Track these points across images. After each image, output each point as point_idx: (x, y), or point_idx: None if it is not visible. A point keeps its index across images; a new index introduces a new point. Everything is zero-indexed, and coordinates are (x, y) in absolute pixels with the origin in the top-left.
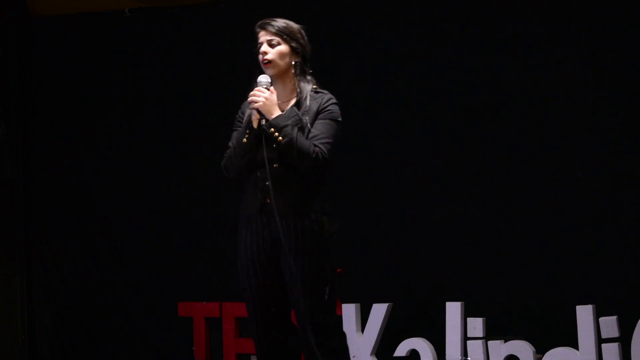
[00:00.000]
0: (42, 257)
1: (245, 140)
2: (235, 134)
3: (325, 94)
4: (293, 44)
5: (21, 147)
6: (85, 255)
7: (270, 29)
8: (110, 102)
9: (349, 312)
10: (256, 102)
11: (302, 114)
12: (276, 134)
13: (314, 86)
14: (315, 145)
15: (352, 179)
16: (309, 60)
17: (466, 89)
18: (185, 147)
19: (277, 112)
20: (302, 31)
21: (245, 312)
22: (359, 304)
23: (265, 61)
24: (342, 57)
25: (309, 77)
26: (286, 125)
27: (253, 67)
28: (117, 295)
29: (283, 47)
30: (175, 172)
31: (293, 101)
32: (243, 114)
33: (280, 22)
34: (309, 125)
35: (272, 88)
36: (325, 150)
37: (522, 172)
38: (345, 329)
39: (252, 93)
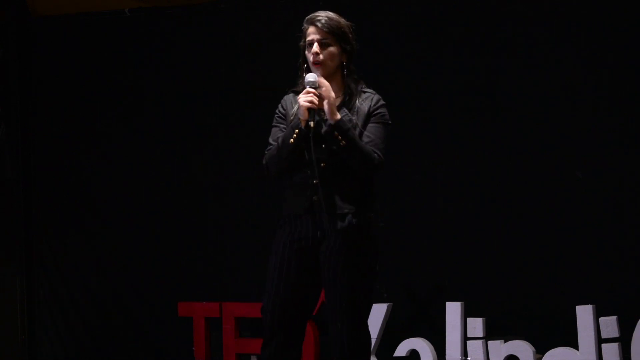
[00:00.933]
0: (42, 257)
1: (292, 140)
2: (275, 131)
3: (373, 94)
4: (344, 45)
5: (21, 147)
6: (85, 255)
7: (322, 27)
8: (110, 102)
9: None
10: (310, 102)
11: (352, 114)
12: (339, 137)
13: (362, 85)
14: (374, 151)
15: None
16: (355, 57)
17: (466, 89)
18: (185, 147)
19: (338, 114)
20: (352, 28)
21: (245, 313)
22: None
23: (316, 62)
24: None
25: (355, 76)
26: (349, 129)
27: (264, 61)
28: (117, 295)
29: (334, 48)
30: (175, 172)
31: (339, 99)
32: (285, 109)
33: (331, 19)
34: (359, 126)
35: (325, 83)
36: (382, 156)
37: (522, 172)
38: None
39: (305, 93)
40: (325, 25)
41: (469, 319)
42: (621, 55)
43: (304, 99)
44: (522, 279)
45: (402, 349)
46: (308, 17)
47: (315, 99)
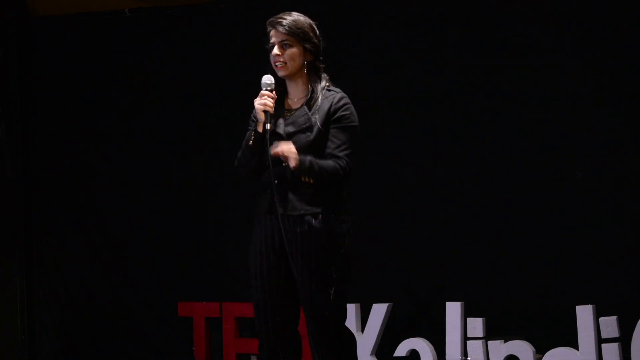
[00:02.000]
0: (42, 257)
1: (251, 142)
2: (246, 134)
3: (337, 92)
4: (306, 45)
5: (21, 147)
6: (85, 255)
7: (282, 29)
8: (110, 102)
9: (349, 312)
10: (264, 105)
11: (312, 113)
12: (306, 178)
13: (327, 84)
14: (338, 158)
15: (352, 179)
16: (321, 55)
17: (466, 89)
18: (186, 147)
19: (294, 161)
20: (314, 27)
21: (245, 313)
22: (359, 304)
23: (278, 63)
24: (341, 56)
25: (321, 74)
26: (310, 166)
27: (264, 61)
28: (117, 295)
29: (295, 49)
30: (175, 172)
31: (303, 99)
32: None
33: (291, 20)
34: (318, 124)
35: (273, 93)
36: (348, 161)
37: (522, 172)
38: None
39: (260, 96)
40: (285, 26)
41: (469, 319)
42: (621, 55)
43: (258, 102)
44: (522, 279)
45: (402, 349)
46: (269, 19)
47: (269, 101)
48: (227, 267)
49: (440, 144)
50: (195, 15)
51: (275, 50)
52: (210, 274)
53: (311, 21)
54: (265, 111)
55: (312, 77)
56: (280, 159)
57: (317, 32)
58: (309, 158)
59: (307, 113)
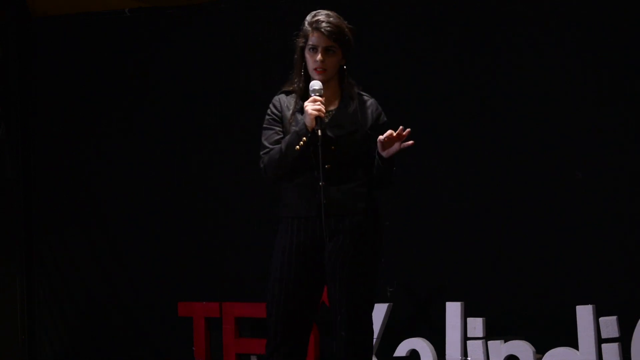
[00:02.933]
0: (42, 257)
1: (298, 147)
2: (270, 134)
3: (369, 97)
4: (346, 50)
5: (21, 147)
6: (85, 255)
7: (329, 35)
8: (110, 102)
9: None
10: (318, 111)
11: (356, 119)
12: (393, 166)
13: (358, 87)
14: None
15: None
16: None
17: (466, 89)
18: (186, 147)
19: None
20: (352, 31)
21: (245, 313)
22: None
23: (319, 68)
24: None
25: (349, 77)
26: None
27: (264, 61)
28: (117, 295)
29: (337, 56)
30: (175, 172)
31: (336, 101)
32: (279, 111)
33: (335, 25)
34: (367, 129)
35: (323, 98)
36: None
37: (522, 172)
38: None
39: (312, 101)
40: (332, 33)
41: (469, 319)
42: (621, 55)
43: (312, 107)
44: (522, 279)
45: (402, 349)
46: (312, 19)
47: (322, 107)
48: (227, 267)
49: (440, 144)
50: (195, 15)
51: (320, 57)
52: (210, 274)
53: (350, 25)
54: (317, 117)
55: (345, 80)
56: (325, 163)
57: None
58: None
59: (351, 116)
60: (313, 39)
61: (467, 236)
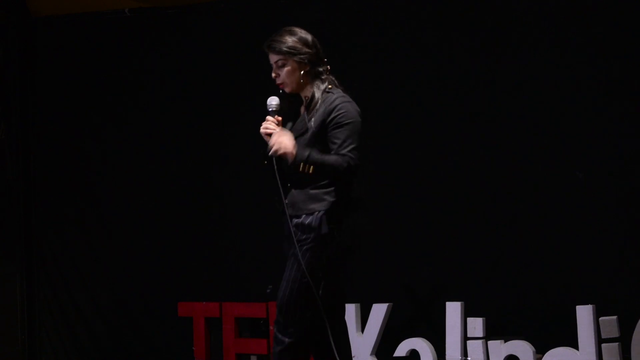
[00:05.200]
0: (42, 257)
1: (265, 162)
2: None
3: (334, 93)
4: (297, 58)
5: (21, 147)
6: (86, 255)
7: (272, 51)
8: (110, 102)
9: (349, 312)
10: (267, 129)
11: (310, 118)
12: (306, 167)
13: (330, 86)
14: (342, 156)
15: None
16: (321, 59)
17: (467, 89)
18: (186, 147)
19: (292, 151)
20: (304, 37)
21: (245, 313)
22: (359, 304)
23: (279, 83)
24: (341, 56)
25: (324, 78)
26: (309, 155)
27: (263, 61)
28: (117, 295)
29: (289, 65)
30: (175, 172)
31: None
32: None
33: (279, 40)
34: (313, 128)
35: (275, 117)
36: (353, 157)
37: (522, 172)
38: None
39: (265, 121)
40: (275, 48)
41: (469, 319)
42: (621, 55)
43: (263, 126)
44: (522, 279)
45: (402, 349)
46: (264, 43)
47: (271, 126)
48: (227, 267)
49: (440, 144)
50: (195, 15)
51: (273, 72)
52: (210, 274)
53: (301, 32)
54: (269, 134)
55: (313, 84)
56: (287, 171)
57: (310, 40)
58: (308, 149)
59: (304, 119)
60: (270, 59)
61: (467, 236)
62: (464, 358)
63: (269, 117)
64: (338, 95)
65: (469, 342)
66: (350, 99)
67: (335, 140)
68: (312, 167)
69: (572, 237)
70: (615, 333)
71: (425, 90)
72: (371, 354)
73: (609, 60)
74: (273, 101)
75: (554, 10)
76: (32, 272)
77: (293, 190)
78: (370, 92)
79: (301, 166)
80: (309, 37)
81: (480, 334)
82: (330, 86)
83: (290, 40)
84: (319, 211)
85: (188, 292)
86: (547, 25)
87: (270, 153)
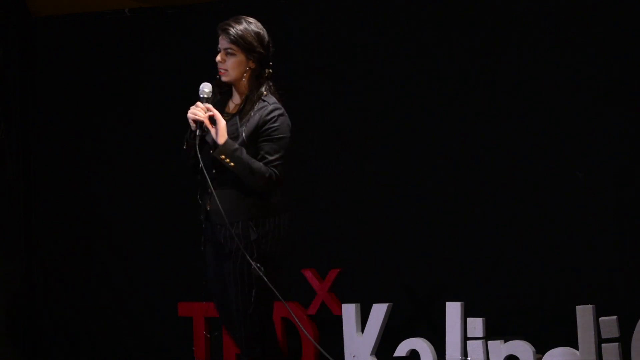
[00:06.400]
0: (42, 257)
1: (185, 147)
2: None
3: (269, 103)
4: (249, 54)
5: (21, 147)
6: (86, 255)
7: (227, 37)
8: (110, 102)
9: (349, 312)
10: (195, 115)
11: (242, 124)
12: (227, 160)
13: (265, 92)
14: (267, 169)
15: (352, 179)
16: (268, 62)
17: (467, 89)
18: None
19: (223, 138)
20: (262, 35)
21: None
22: (359, 304)
23: (221, 69)
24: (341, 56)
25: (264, 82)
26: (236, 150)
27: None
28: (117, 295)
29: (238, 57)
30: (175, 171)
31: (238, 107)
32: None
33: (238, 29)
34: (244, 136)
35: (210, 106)
36: (278, 172)
37: (522, 172)
38: (345, 329)
39: (195, 106)
40: (231, 35)
41: (469, 319)
42: (622, 55)
43: (191, 111)
44: (522, 279)
45: (402, 349)
46: (219, 24)
47: (200, 113)
48: None
49: (440, 144)
50: (195, 15)
51: (218, 57)
52: None
53: (260, 29)
54: (195, 120)
55: (252, 86)
56: (209, 166)
57: (266, 40)
58: (240, 146)
59: (237, 123)
60: (219, 42)
61: (467, 236)
62: (464, 358)
63: (199, 104)
64: (274, 107)
65: (469, 342)
66: (284, 112)
67: (263, 153)
68: (234, 162)
69: (572, 237)
70: (615, 333)
71: (425, 90)
72: (371, 354)
73: (609, 60)
74: (206, 88)
75: (554, 10)
76: (32, 272)
77: (218, 194)
78: (370, 92)
79: (225, 156)
80: (265, 36)
81: (480, 334)
82: (265, 93)
83: (248, 34)
84: (246, 219)
85: (188, 292)
86: (547, 25)
87: (190, 114)
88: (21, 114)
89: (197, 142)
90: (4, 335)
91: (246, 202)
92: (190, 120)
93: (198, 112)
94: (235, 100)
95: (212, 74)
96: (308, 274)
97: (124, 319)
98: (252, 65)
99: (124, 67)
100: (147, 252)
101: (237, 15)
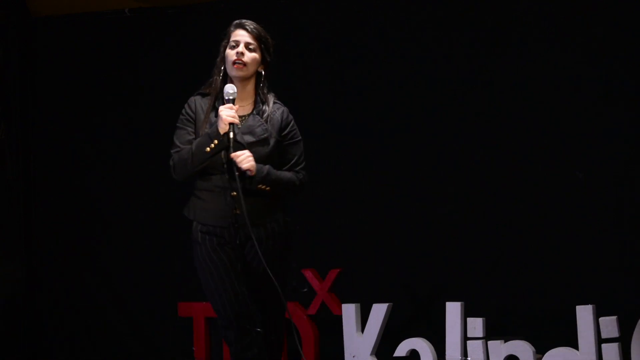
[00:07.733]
0: (42, 257)
1: (208, 149)
2: (182, 133)
3: (282, 105)
4: (265, 54)
5: (21, 147)
6: (85, 255)
7: (251, 32)
8: (110, 102)
9: (349, 312)
10: (232, 117)
11: (266, 123)
12: (263, 186)
13: (274, 96)
14: (297, 172)
15: (352, 179)
16: (269, 69)
17: (467, 89)
18: None
19: (253, 170)
20: (272, 42)
21: None
22: (359, 304)
23: (239, 61)
24: (341, 56)
25: (265, 82)
26: (267, 174)
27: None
28: (117, 295)
29: (257, 55)
30: None
31: (249, 106)
32: (193, 112)
33: (260, 28)
34: (274, 135)
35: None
36: (304, 175)
37: (522, 172)
38: (345, 329)
39: (228, 108)
40: (255, 31)
41: (469, 319)
42: (622, 55)
43: (227, 113)
44: (522, 279)
45: (402, 349)
46: (236, 21)
47: (236, 114)
48: None
49: (440, 144)
50: (195, 15)
51: (241, 49)
52: None
53: (271, 38)
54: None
55: (263, 88)
56: (236, 168)
57: (272, 48)
58: (266, 167)
59: (263, 123)
60: (236, 36)
61: (467, 236)
62: (464, 358)
63: (230, 105)
64: (287, 110)
65: (469, 342)
66: None
67: (290, 156)
68: (270, 186)
69: (572, 237)
70: (615, 333)
71: (425, 90)
72: (371, 354)
73: (609, 60)
74: (230, 89)
75: (554, 10)
76: (32, 272)
77: (243, 197)
78: (370, 92)
79: (261, 185)
80: (273, 45)
81: (480, 334)
82: (275, 97)
83: (267, 36)
84: (282, 215)
85: (188, 292)
86: (547, 25)
87: (243, 168)
88: (21, 114)
89: (232, 143)
90: (4, 335)
91: (276, 200)
92: (223, 123)
93: (232, 113)
94: (241, 100)
95: (210, 73)
96: (308, 274)
97: (124, 319)
98: (262, 67)
99: (124, 67)
100: (147, 252)
101: (237, 15)
